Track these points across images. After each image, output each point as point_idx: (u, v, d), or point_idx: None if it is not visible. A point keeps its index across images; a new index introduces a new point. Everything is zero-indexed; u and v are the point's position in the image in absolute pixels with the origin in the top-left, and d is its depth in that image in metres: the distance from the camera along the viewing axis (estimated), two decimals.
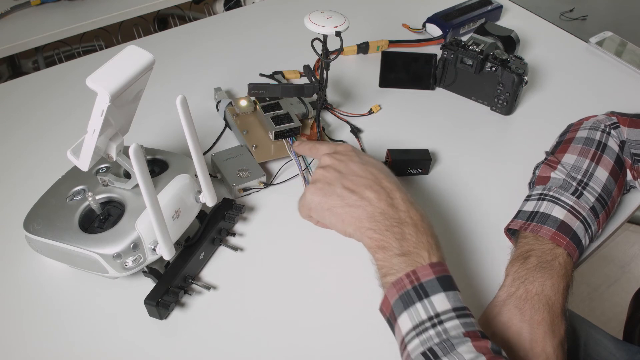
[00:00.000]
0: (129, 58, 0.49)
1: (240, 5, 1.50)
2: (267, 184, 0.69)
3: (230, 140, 0.76)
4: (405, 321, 0.47)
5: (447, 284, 0.48)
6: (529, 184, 0.69)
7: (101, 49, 1.30)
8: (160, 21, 1.62)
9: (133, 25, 1.40)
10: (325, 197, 0.55)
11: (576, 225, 0.60)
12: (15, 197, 0.67)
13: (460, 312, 0.47)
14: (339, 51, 0.67)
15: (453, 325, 0.46)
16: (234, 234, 0.64)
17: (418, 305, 0.47)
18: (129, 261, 0.54)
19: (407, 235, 0.50)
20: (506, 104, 0.82)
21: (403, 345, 0.47)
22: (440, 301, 0.47)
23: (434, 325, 0.46)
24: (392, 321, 0.49)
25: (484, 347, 0.45)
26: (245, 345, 0.54)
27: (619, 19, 1.12)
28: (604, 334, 0.66)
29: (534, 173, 0.69)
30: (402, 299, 0.48)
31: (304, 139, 0.73)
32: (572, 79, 0.92)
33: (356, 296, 0.59)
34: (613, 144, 0.66)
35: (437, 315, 0.46)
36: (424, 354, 0.45)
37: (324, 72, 0.71)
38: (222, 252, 0.62)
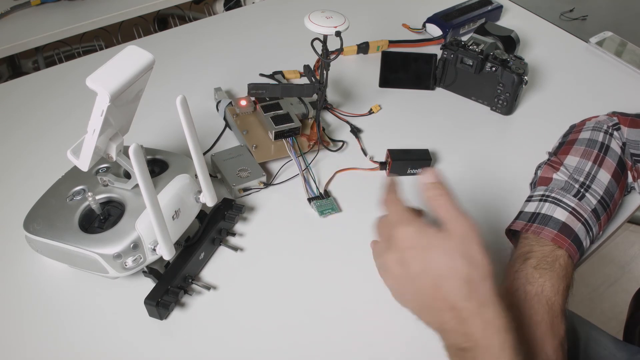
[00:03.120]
0: (129, 58, 0.49)
1: (240, 5, 1.50)
2: (267, 184, 0.69)
3: (230, 140, 0.76)
4: None
5: None
6: (531, 184, 0.69)
7: (101, 49, 1.30)
8: (160, 21, 1.62)
9: (133, 25, 1.40)
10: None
11: (578, 227, 0.59)
12: (15, 197, 0.67)
13: None
14: (339, 51, 0.67)
15: None
16: (234, 234, 0.64)
17: None
18: (129, 261, 0.54)
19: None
20: (506, 104, 0.82)
21: None
22: None
23: None
24: None
25: None
26: (245, 345, 0.54)
27: (619, 19, 1.12)
28: (604, 334, 0.66)
29: (535, 173, 0.69)
30: None
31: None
32: (572, 79, 0.91)
33: (356, 296, 0.59)
34: (615, 145, 0.66)
35: None
36: None
37: (324, 72, 0.71)
38: (222, 252, 0.62)
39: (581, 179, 0.63)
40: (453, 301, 0.45)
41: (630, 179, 0.67)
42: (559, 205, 0.61)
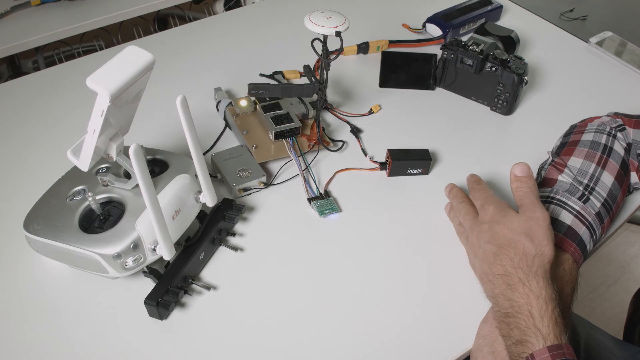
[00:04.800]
0: (129, 58, 0.49)
1: (240, 5, 1.50)
2: (267, 184, 0.69)
3: (230, 140, 0.76)
4: None
5: None
6: None
7: (101, 49, 1.30)
8: (160, 21, 1.62)
9: (133, 25, 1.40)
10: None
11: (582, 230, 0.59)
12: (15, 197, 0.67)
13: None
14: (339, 51, 0.67)
15: None
16: (234, 234, 0.64)
17: None
18: (129, 261, 0.54)
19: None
20: (506, 104, 0.82)
21: None
22: None
23: None
24: None
25: None
26: (245, 345, 0.54)
27: (619, 19, 1.12)
28: (604, 334, 0.66)
29: (539, 174, 0.68)
30: None
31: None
32: (572, 79, 0.91)
33: (357, 296, 0.59)
34: (619, 147, 0.66)
35: None
36: None
37: (324, 72, 0.71)
38: (222, 252, 0.62)
39: (585, 181, 0.62)
40: (506, 268, 0.52)
41: (635, 179, 0.67)
42: (564, 208, 0.61)
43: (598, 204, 0.61)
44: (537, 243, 0.53)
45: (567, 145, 0.68)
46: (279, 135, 0.72)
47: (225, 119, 0.78)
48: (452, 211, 0.65)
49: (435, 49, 0.91)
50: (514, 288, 0.51)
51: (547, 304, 0.49)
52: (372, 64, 0.90)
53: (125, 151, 0.54)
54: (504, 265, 0.52)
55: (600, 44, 0.98)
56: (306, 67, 0.74)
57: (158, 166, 0.61)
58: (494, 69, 0.80)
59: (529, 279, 0.50)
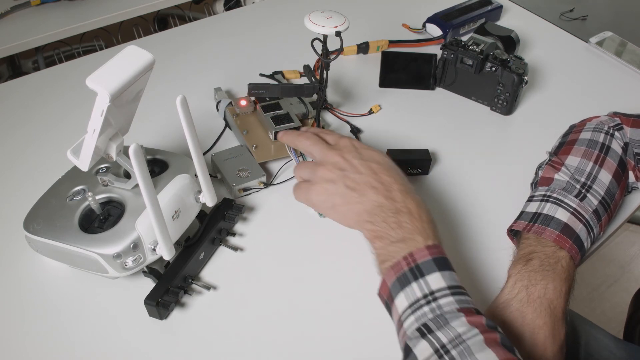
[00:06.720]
0: (129, 58, 0.49)
1: (240, 5, 1.50)
2: (267, 184, 0.69)
3: (230, 140, 0.76)
4: (401, 301, 0.49)
5: (442, 264, 0.50)
6: (532, 184, 0.69)
7: (101, 49, 1.30)
8: (160, 21, 1.62)
9: (133, 25, 1.40)
10: (328, 197, 0.57)
11: (579, 228, 0.59)
12: (15, 197, 0.67)
13: (455, 290, 0.48)
14: (339, 51, 0.67)
15: (447, 302, 0.47)
16: (234, 234, 0.64)
17: (414, 284, 0.49)
18: (129, 261, 0.54)
19: (403, 223, 0.52)
20: (506, 104, 0.82)
21: (400, 324, 0.49)
22: (435, 280, 0.48)
23: (428, 302, 0.47)
24: (389, 303, 0.50)
25: (477, 322, 0.46)
26: (245, 345, 0.54)
27: (619, 19, 1.13)
28: (605, 333, 0.66)
29: (536, 173, 0.69)
30: (399, 280, 0.49)
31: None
32: (572, 79, 0.91)
33: (357, 295, 0.59)
34: (616, 146, 0.66)
35: (432, 292, 0.48)
36: (418, 329, 0.46)
37: (324, 72, 0.71)
38: (222, 252, 0.62)
39: (582, 180, 0.63)
40: (385, 179, 0.56)
41: (632, 178, 0.67)
42: (560, 205, 0.61)
43: (595, 202, 0.61)
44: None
45: (564, 145, 0.68)
46: None
47: (225, 119, 0.78)
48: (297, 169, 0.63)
49: (435, 49, 0.91)
50: (405, 195, 0.55)
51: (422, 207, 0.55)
52: (372, 64, 0.90)
53: (125, 151, 0.54)
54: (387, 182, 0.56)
55: (600, 44, 0.98)
56: (306, 67, 0.74)
57: (158, 166, 0.61)
58: (494, 69, 0.80)
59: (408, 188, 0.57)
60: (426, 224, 0.53)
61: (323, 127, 0.76)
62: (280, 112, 0.74)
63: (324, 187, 0.58)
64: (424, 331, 0.46)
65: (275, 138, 0.72)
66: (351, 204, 0.56)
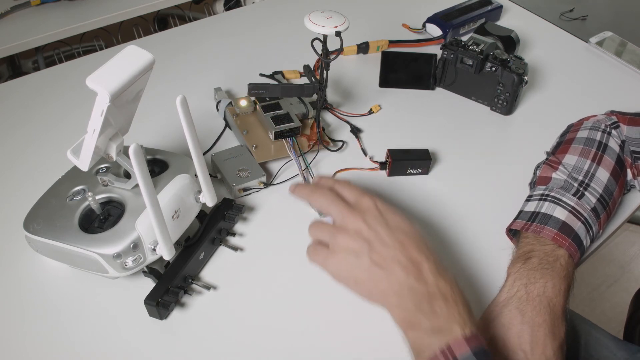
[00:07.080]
0: (129, 58, 0.49)
1: (240, 5, 1.50)
2: (267, 184, 0.69)
3: (230, 140, 0.76)
4: None
5: (483, 357, 0.46)
6: (530, 184, 0.69)
7: (101, 49, 1.30)
8: (160, 21, 1.62)
9: (133, 25, 1.40)
10: (351, 270, 0.51)
11: (577, 226, 0.59)
12: (15, 197, 0.67)
13: None
14: (339, 51, 0.67)
15: None
16: (234, 234, 0.64)
17: None
18: (129, 261, 0.54)
19: (437, 310, 0.48)
20: (506, 104, 0.82)
21: None
22: None
23: None
24: None
25: None
26: (245, 345, 0.54)
27: (619, 19, 1.13)
28: (605, 333, 0.66)
29: (534, 173, 0.69)
30: None
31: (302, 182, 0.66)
32: (572, 79, 0.92)
33: (356, 295, 0.59)
34: (614, 144, 0.66)
35: None
36: None
37: (324, 72, 0.71)
38: (222, 252, 0.62)
39: (580, 178, 0.63)
40: (414, 256, 0.50)
41: (630, 176, 0.67)
42: (558, 204, 0.61)
43: (593, 200, 0.61)
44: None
45: (562, 144, 0.68)
46: (278, 135, 0.72)
47: (225, 119, 0.78)
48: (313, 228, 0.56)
49: (435, 49, 0.91)
50: (438, 275, 0.50)
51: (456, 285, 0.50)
52: (372, 64, 0.90)
53: (125, 151, 0.54)
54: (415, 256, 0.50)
55: (600, 44, 0.98)
56: (306, 67, 0.74)
57: (158, 166, 0.61)
58: (494, 69, 0.80)
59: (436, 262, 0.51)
60: (462, 308, 0.48)
61: (323, 128, 0.76)
62: (280, 112, 0.74)
63: (346, 259, 0.51)
64: None
65: (275, 138, 0.72)
66: (376, 281, 0.50)
